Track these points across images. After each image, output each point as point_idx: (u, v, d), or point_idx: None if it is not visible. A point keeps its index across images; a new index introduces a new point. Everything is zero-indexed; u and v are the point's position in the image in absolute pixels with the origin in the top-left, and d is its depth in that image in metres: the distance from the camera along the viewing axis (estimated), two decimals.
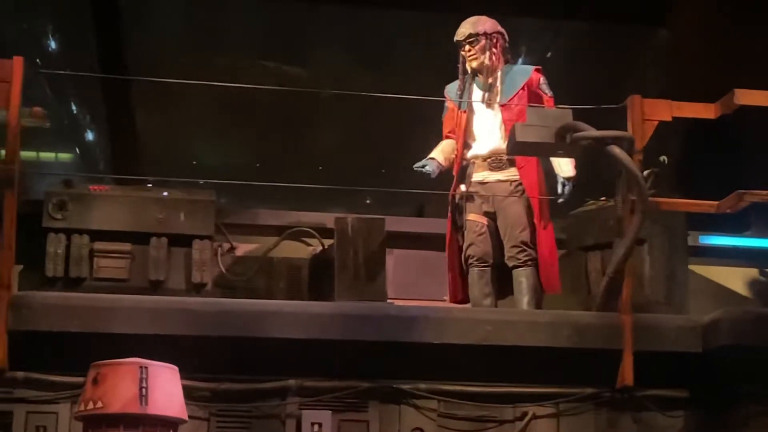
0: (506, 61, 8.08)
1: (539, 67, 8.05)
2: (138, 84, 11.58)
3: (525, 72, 7.99)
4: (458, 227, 8.01)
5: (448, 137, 8.12)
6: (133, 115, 12.05)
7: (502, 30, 8.05)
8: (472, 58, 7.96)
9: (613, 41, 12.93)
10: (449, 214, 8.02)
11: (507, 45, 8.09)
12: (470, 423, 6.94)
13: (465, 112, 8.01)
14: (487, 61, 7.94)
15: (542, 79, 7.95)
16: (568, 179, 7.75)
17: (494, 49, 7.96)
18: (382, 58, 13.69)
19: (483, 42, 7.94)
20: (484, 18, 8.03)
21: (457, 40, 8.00)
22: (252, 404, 6.77)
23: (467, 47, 7.96)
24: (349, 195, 11.20)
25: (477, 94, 8.02)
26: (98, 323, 6.52)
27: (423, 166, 7.97)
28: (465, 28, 7.98)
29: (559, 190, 7.76)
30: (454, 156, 8.05)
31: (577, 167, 7.78)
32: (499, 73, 7.95)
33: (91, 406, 5.58)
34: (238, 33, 13.66)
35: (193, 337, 6.57)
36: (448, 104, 8.13)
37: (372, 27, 13.58)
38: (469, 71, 8.03)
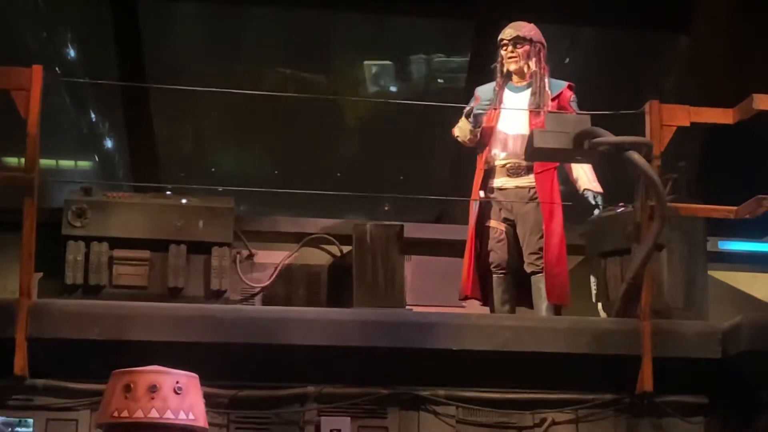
0: None
1: (572, 84, 8.04)
2: (157, 92, 11.61)
3: (558, 86, 7.98)
4: (480, 229, 7.97)
5: None
6: (152, 123, 12.08)
7: (544, 41, 8.04)
8: (512, 60, 7.95)
9: (631, 47, 12.91)
10: (476, 212, 7.95)
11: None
12: (489, 429, 6.93)
13: (496, 111, 7.97)
14: (532, 68, 7.91)
15: (573, 96, 7.95)
16: (595, 194, 7.77)
17: (536, 58, 7.93)
18: (401, 66, 13.70)
19: (527, 47, 7.93)
20: (530, 25, 8.01)
21: (501, 39, 7.98)
22: (271, 411, 6.78)
23: (510, 48, 7.94)
24: (367, 202, 11.22)
25: (508, 97, 8.00)
26: (118, 331, 6.54)
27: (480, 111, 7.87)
28: (512, 29, 7.97)
29: (592, 202, 7.77)
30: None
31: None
32: (546, 80, 7.94)
33: (183, 416, 5.45)
34: (256, 41, 13.69)
35: (212, 344, 6.58)
36: (474, 99, 8.08)
37: (391, 34, 13.60)
38: (504, 72, 8.00)
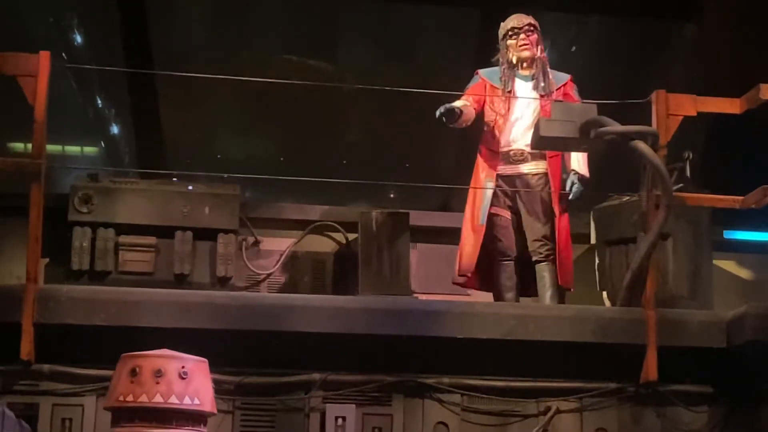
0: None
1: (571, 75, 8.06)
2: (163, 78, 11.60)
3: (561, 78, 8.02)
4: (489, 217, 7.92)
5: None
6: (158, 109, 12.07)
7: None
8: (525, 48, 7.95)
9: (637, 36, 12.89)
10: (480, 200, 7.93)
11: None
12: (494, 417, 6.96)
13: (506, 101, 7.95)
14: (538, 54, 7.96)
15: (575, 87, 7.98)
16: (580, 177, 7.71)
17: (541, 45, 8.00)
18: (409, 52, 13.68)
19: (536, 35, 7.97)
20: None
21: (513, 27, 7.96)
22: (276, 398, 6.80)
23: (522, 36, 7.95)
24: (373, 189, 11.20)
25: (518, 85, 7.99)
26: (123, 317, 6.56)
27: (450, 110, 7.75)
28: (521, 17, 8.00)
29: (568, 187, 7.73)
30: (471, 115, 7.95)
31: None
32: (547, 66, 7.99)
33: (188, 401, 5.49)
34: (263, 27, 13.67)
35: (217, 331, 6.60)
36: (478, 79, 8.05)
37: (398, 21, 13.58)
38: (515, 62, 7.99)
